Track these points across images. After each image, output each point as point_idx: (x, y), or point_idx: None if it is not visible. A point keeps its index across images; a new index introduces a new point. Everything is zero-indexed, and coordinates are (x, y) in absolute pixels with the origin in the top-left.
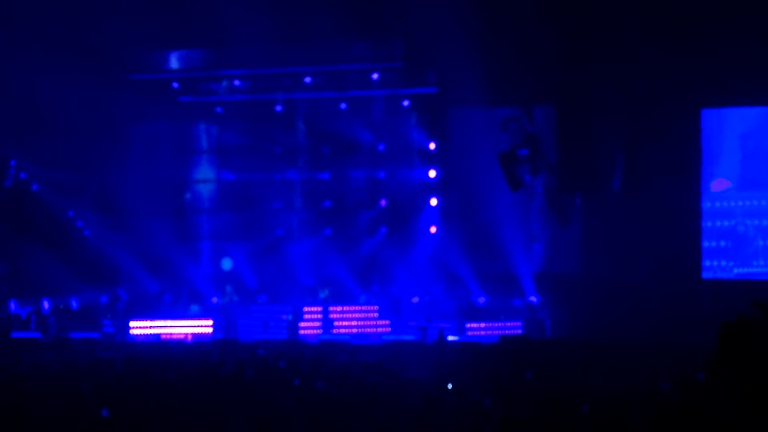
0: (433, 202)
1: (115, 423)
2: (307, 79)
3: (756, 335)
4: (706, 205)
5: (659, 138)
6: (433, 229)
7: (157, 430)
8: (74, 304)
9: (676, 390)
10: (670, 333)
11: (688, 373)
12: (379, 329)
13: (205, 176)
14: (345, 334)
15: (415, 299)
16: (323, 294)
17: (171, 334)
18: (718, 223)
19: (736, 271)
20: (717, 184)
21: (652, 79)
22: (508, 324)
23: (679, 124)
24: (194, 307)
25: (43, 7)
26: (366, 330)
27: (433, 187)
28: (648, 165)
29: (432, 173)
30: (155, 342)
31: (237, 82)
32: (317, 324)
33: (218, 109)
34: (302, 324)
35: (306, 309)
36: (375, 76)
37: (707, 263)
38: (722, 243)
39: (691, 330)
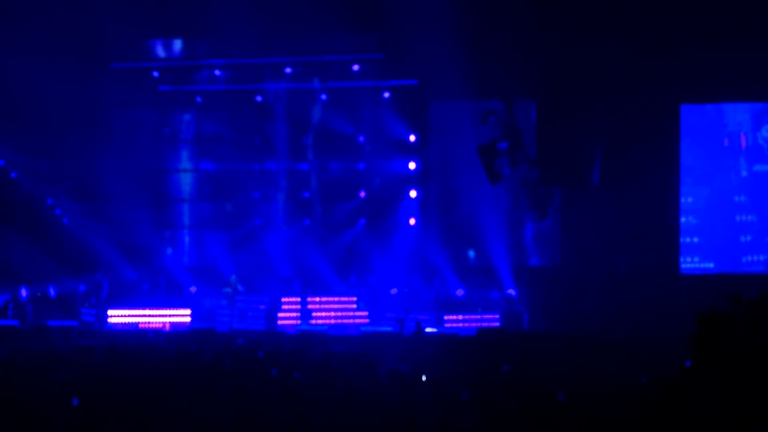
0: (413, 194)
1: (93, 411)
2: (288, 70)
3: (731, 329)
4: (685, 200)
5: (639, 133)
6: (412, 221)
7: (135, 419)
8: (52, 292)
9: (654, 384)
10: (648, 327)
11: (666, 367)
12: (358, 320)
13: (184, 166)
14: (323, 325)
15: (394, 291)
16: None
17: (149, 323)
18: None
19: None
20: None
21: (632, 75)
22: (486, 317)
23: (658, 120)
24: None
25: None
26: (344, 321)
27: (412, 179)
28: (627, 159)
29: (412, 165)
30: (133, 331)
31: (217, 72)
32: (295, 315)
33: (198, 99)
34: (280, 314)
35: (284, 300)
36: (356, 67)
37: (686, 260)
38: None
39: (670, 324)
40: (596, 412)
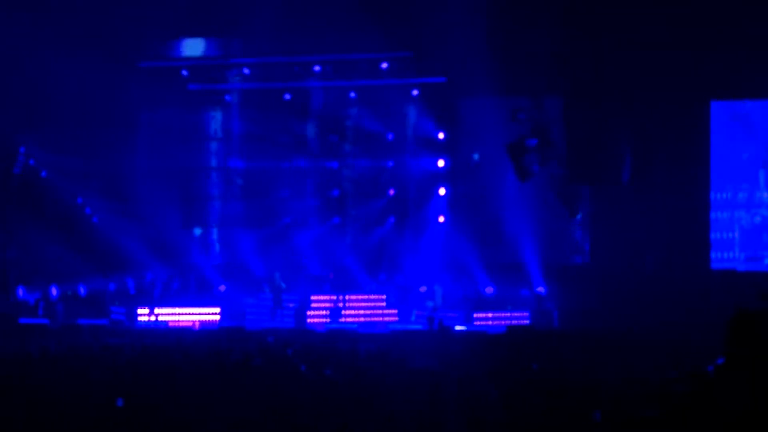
0: (442, 191)
1: (123, 410)
2: (317, 68)
3: (763, 327)
4: (715, 196)
5: (668, 129)
6: (441, 219)
7: (164, 418)
8: (82, 290)
9: (684, 381)
10: (678, 324)
11: (696, 365)
12: (387, 318)
13: (214, 164)
14: (352, 322)
15: (423, 288)
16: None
17: (179, 321)
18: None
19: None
20: None
21: (662, 71)
22: (516, 314)
23: (688, 116)
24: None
25: None
26: (373, 319)
27: (441, 177)
28: (657, 156)
29: (441, 163)
30: (163, 329)
31: (246, 71)
32: (325, 313)
33: (228, 97)
34: (310, 312)
35: (313, 297)
36: (384, 65)
37: (717, 256)
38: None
39: (700, 321)
40: (626, 410)
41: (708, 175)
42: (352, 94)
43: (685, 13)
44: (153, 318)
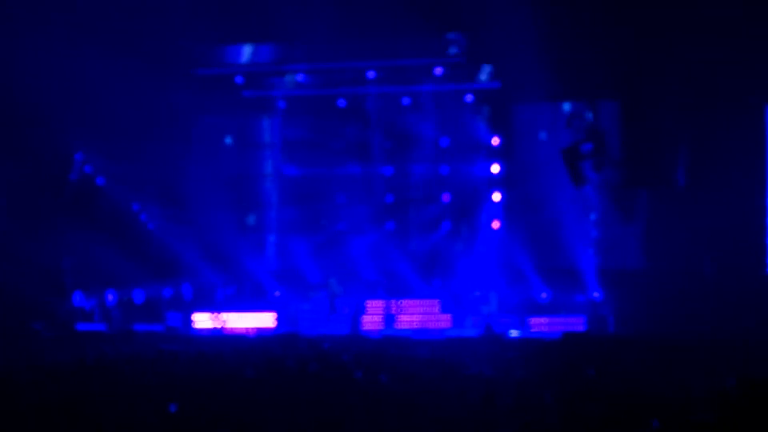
0: (496, 197)
1: (178, 417)
2: (371, 74)
3: None
4: None
5: (724, 132)
6: (496, 225)
7: (220, 424)
8: (138, 296)
9: (741, 388)
10: (735, 330)
11: (754, 371)
12: (441, 324)
13: (268, 171)
14: (407, 328)
15: (478, 294)
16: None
17: (234, 327)
18: None
19: None
20: None
21: (717, 74)
22: (571, 320)
23: (744, 119)
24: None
25: (107, 3)
26: (428, 325)
27: (496, 182)
28: (713, 159)
29: (495, 168)
30: (218, 335)
31: (300, 77)
32: (379, 318)
33: (281, 104)
34: (364, 318)
35: (368, 303)
36: (438, 70)
37: None
38: None
39: (758, 327)
40: (682, 416)
41: (764, 179)
42: (406, 100)
43: (741, 15)
44: (219, 323)
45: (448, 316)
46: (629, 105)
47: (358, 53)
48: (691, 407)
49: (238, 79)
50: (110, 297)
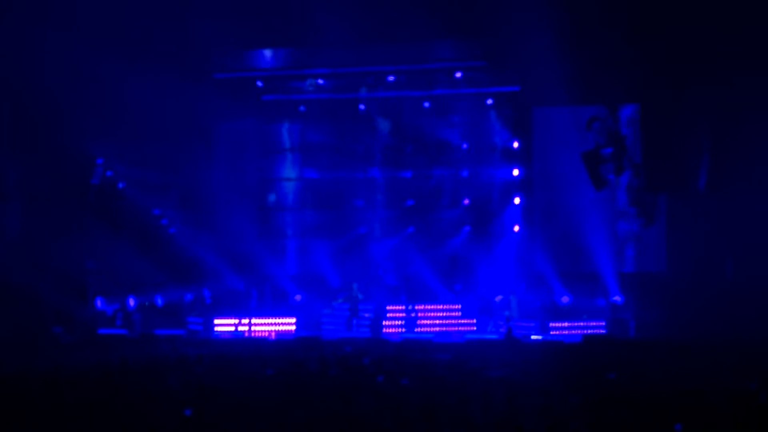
0: (517, 201)
1: (201, 420)
2: (391, 78)
3: None
4: None
5: (745, 137)
6: (516, 228)
7: (241, 428)
8: (159, 301)
9: (763, 390)
10: (757, 333)
11: None
12: (462, 328)
13: (288, 175)
14: (428, 332)
15: (498, 298)
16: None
17: (255, 331)
18: None
19: None
20: None
21: (739, 79)
22: (592, 324)
23: (764, 123)
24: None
25: (128, 8)
26: (449, 329)
27: (516, 186)
28: (734, 164)
29: (515, 172)
30: (240, 339)
31: (321, 81)
32: (400, 323)
33: (302, 108)
34: (386, 322)
35: (389, 308)
36: (458, 74)
37: None
38: None
39: None
40: (703, 419)
41: None
42: (427, 104)
43: (763, 19)
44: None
45: (469, 321)
46: (651, 109)
47: (378, 58)
48: (713, 411)
49: (259, 83)
50: (132, 301)
